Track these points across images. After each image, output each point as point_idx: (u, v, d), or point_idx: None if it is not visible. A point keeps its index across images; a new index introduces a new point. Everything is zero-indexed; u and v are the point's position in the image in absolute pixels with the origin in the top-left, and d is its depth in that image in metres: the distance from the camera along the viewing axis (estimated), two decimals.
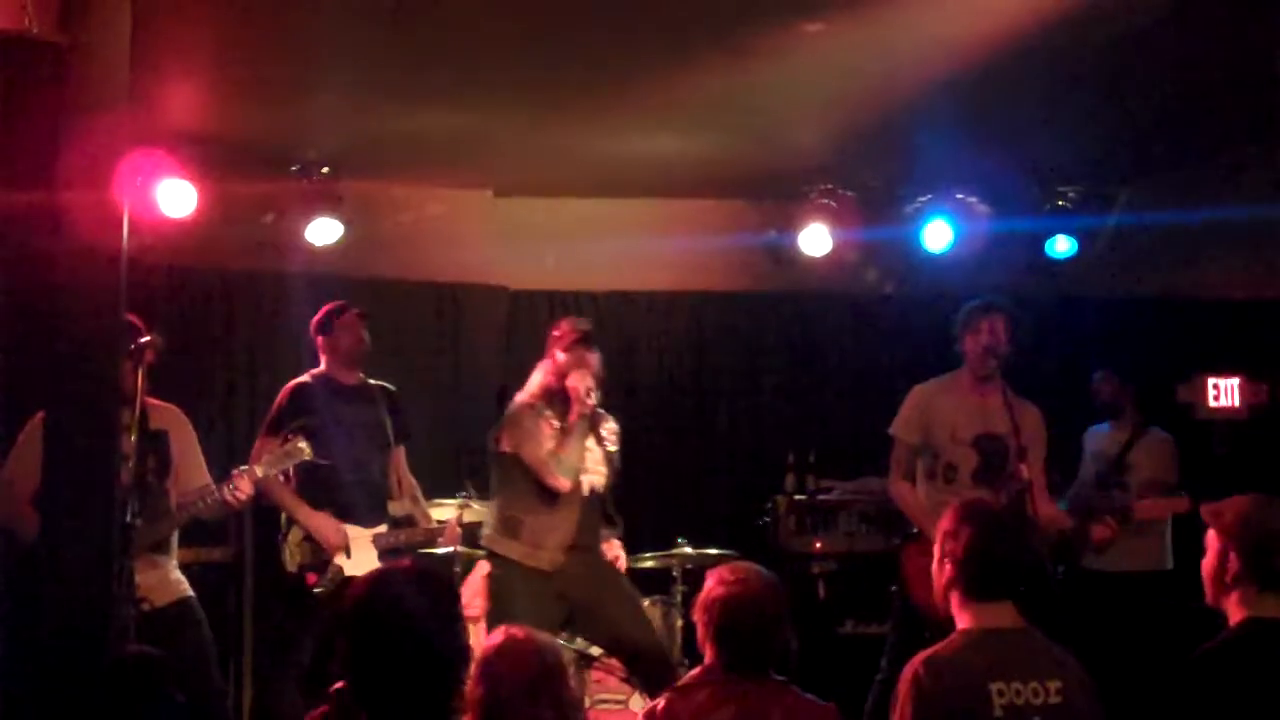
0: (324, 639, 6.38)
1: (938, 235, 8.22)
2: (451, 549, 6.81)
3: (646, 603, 7.11)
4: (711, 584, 4.15)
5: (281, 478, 6.50)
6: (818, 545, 8.05)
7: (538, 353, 6.24)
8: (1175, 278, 8.85)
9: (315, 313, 6.90)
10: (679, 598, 7.03)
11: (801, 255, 8.28)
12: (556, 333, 6.31)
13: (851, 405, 8.71)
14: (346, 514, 6.59)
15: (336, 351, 6.79)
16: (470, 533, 6.93)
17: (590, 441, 6.24)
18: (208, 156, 7.05)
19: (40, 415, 5.51)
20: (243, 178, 7.48)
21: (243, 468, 6.12)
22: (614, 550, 6.43)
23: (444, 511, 7.15)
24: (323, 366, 6.81)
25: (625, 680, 6.57)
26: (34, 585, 4.37)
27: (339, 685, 3.39)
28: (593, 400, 6.13)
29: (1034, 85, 6.47)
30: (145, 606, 5.53)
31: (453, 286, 8.62)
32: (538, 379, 6.29)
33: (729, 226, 8.71)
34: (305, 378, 6.78)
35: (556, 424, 6.15)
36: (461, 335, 8.65)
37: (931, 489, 6.60)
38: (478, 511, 7.05)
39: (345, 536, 6.54)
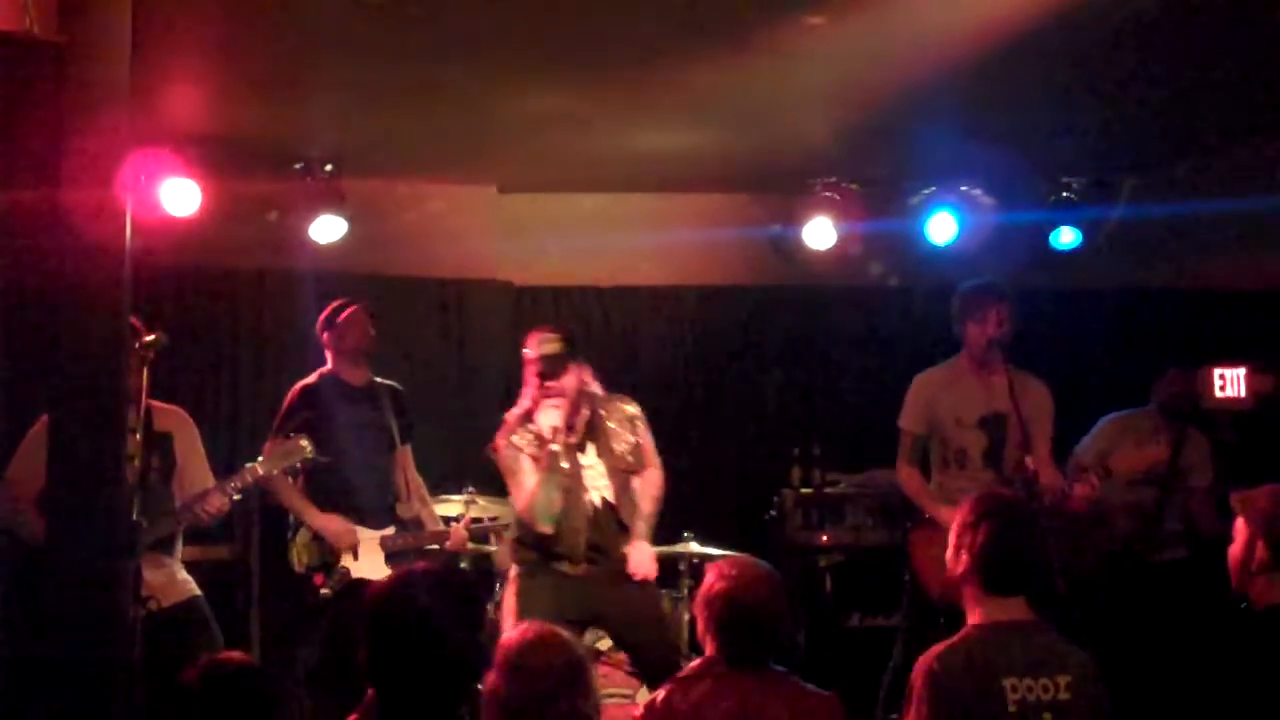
0: (330, 640, 6.39)
1: (942, 227, 8.21)
2: (457, 554, 6.84)
3: None
4: (711, 578, 4.21)
5: (290, 479, 6.50)
6: (824, 538, 8.04)
7: None
8: (1180, 268, 8.85)
9: (320, 310, 6.91)
10: (686, 591, 7.03)
11: (806, 248, 8.27)
12: (526, 351, 6.06)
13: (857, 398, 8.70)
14: (354, 516, 6.60)
15: (343, 348, 6.79)
16: (473, 530, 6.95)
17: (590, 454, 6.02)
18: (211, 155, 7.05)
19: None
20: (246, 176, 7.48)
21: (248, 464, 6.13)
22: (633, 559, 6.03)
23: (450, 508, 7.16)
24: (329, 365, 6.81)
25: (632, 674, 6.57)
26: (39, 587, 4.36)
27: (369, 694, 3.42)
28: (559, 439, 5.87)
29: (1038, 76, 6.46)
30: (153, 606, 5.54)
31: (457, 283, 8.62)
32: (520, 403, 6.08)
33: (733, 220, 8.71)
34: (312, 378, 6.78)
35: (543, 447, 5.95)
36: (466, 331, 8.65)
37: (945, 476, 6.65)
38: (483, 508, 7.06)
39: (355, 535, 6.55)
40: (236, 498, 6.07)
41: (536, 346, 5.98)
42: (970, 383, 6.66)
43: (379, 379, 6.89)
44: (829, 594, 7.95)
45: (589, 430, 6.03)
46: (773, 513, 8.23)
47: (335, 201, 7.61)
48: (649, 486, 6.16)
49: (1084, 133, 7.42)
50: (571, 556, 5.93)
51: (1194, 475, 7.32)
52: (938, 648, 3.86)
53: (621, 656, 6.61)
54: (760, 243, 8.67)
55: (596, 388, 6.13)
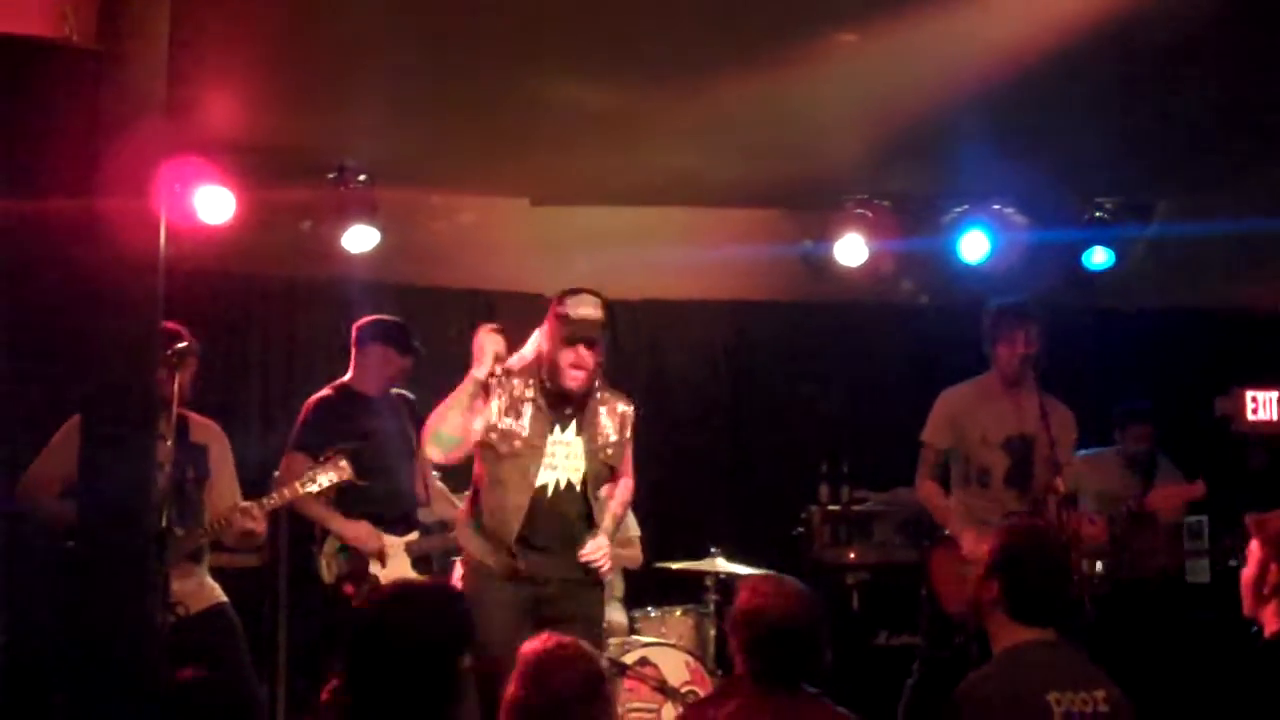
0: None
1: (974, 245, 8.18)
2: None
3: (679, 611, 7.12)
4: (746, 595, 4.16)
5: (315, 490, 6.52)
6: (851, 556, 8.03)
7: None
8: (1213, 290, 8.80)
9: (351, 319, 6.94)
10: (712, 607, 7.02)
11: (837, 265, 8.26)
12: (561, 310, 5.61)
13: (886, 415, 8.67)
14: (378, 524, 6.62)
15: (366, 371, 6.83)
16: None
17: (571, 431, 5.60)
18: (245, 164, 7.08)
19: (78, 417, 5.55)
20: (280, 185, 7.50)
21: (263, 500, 6.11)
22: (589, 545, 5.61)
23: None
24: (349, 376, 6.84)
25: (657, 689, 6.56)
26: (67, 591, 4.39)
27: (332, 685, 3.43)
28: (491, 369, 5.43)
29: (1072, 95, 6.44)
30: (180, 611, 5.57)
31: (488, 294, 8.62)
32: (535, 353, 5.68)
33: (765, 236, 8.69)
34: (327, 391, 6.81)
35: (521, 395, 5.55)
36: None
37: (966, 494, 6.64)
38: None
39: (381, 541, 6.58)
40: (254, 528, 6.00)
41: (576, 307, 5.58)
42: (1000, 402, 6.65)
43: (393, 389, 6.92)
44: (856, 611, 7.93)
45: (579, 408, 5.64)
46: (800, 530, 8.23)
47: (368, 211, 7.63)
48: (623, 492, 5.84)
49: (1118, 152, 7.39)
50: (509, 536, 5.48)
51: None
52: (977, 673, 3.83)
53: (648, 670, 6.59)
54: (792, 259, 8.65)
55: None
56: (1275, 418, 7.65)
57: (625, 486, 5.88)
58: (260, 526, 6.01)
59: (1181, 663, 6.84)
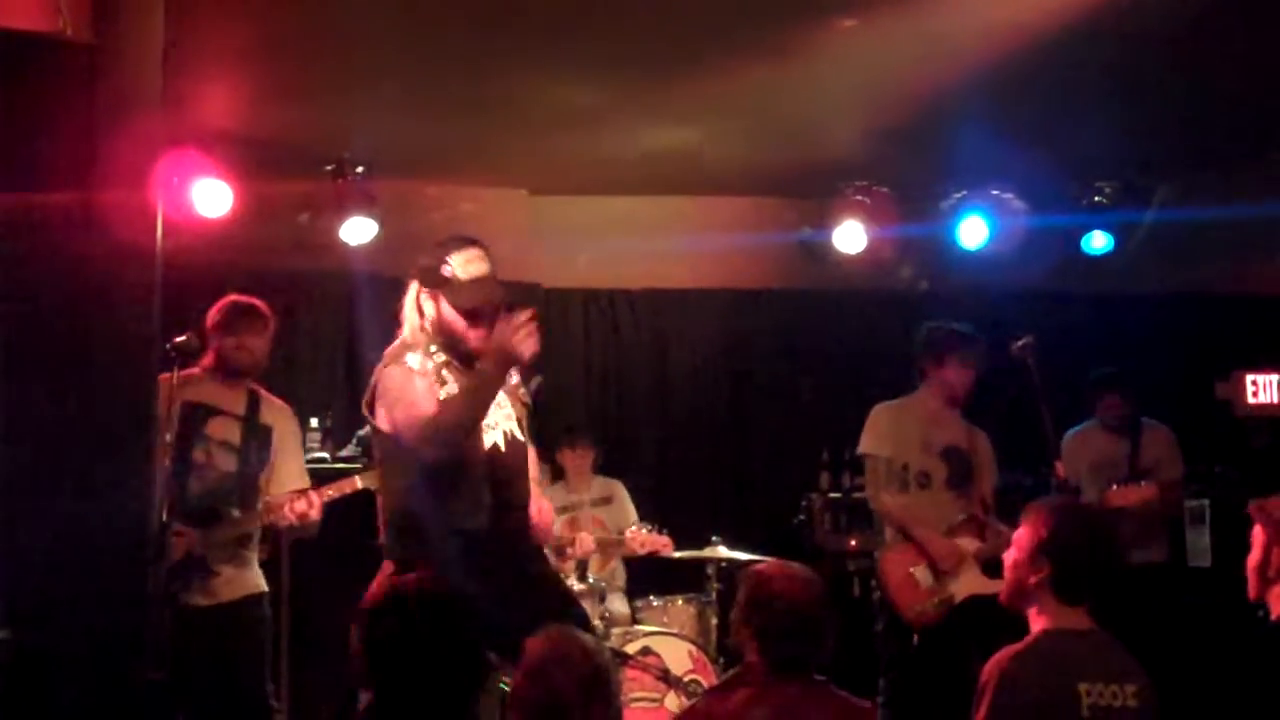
0: None
1: (973, 231, 8.18)
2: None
3: (680, 600, 7.11)
4: (756, 582, 4.12)
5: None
6: (852, 543, 8.01)
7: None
8: (1213, 273, 8.79)
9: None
10: (714, 595, 7.02)
11: (836, 252, 8.25)
12: (445, 270, 4.85)
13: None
14: None
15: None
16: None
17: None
18: (243, 156, 7.07)
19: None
20: (278, 177, 7.49)
21: (352, 475, 5.96)
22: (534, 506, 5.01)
23: None
24: None
25: (660, 679, 6.56)
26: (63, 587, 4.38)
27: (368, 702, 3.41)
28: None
29: (1070, 80, 6.44)
30: (209, 601, 5.62)
31: None
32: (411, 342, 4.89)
33: (763, 224, 8.69)
34: None
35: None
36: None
37: (906, 498, 6.64)
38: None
39: None
40: (305, 517, 5.78)
41: (464, 266, 4.84)
42: (937, 415, 6.74)
43: None
44: (856, 598, 7.93)
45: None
46: (801, 517, 8.22)
47: (366, 203, 7.62)
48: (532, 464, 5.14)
49: (1116, 137, 7.38)
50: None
51: (1162, 470, 7.30)
52: (1011, 649, 3.81)
53: (650, 660, 6.59)
54: (791, 246, 8.65)
55: None
56: (1275, 401, 7.65)
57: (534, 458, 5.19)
58: (315, 513, 5.77)
59: (1181, 649, 6.82)
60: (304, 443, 6.41)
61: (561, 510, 7.25)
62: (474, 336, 4.82)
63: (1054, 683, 3.71)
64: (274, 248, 7.93)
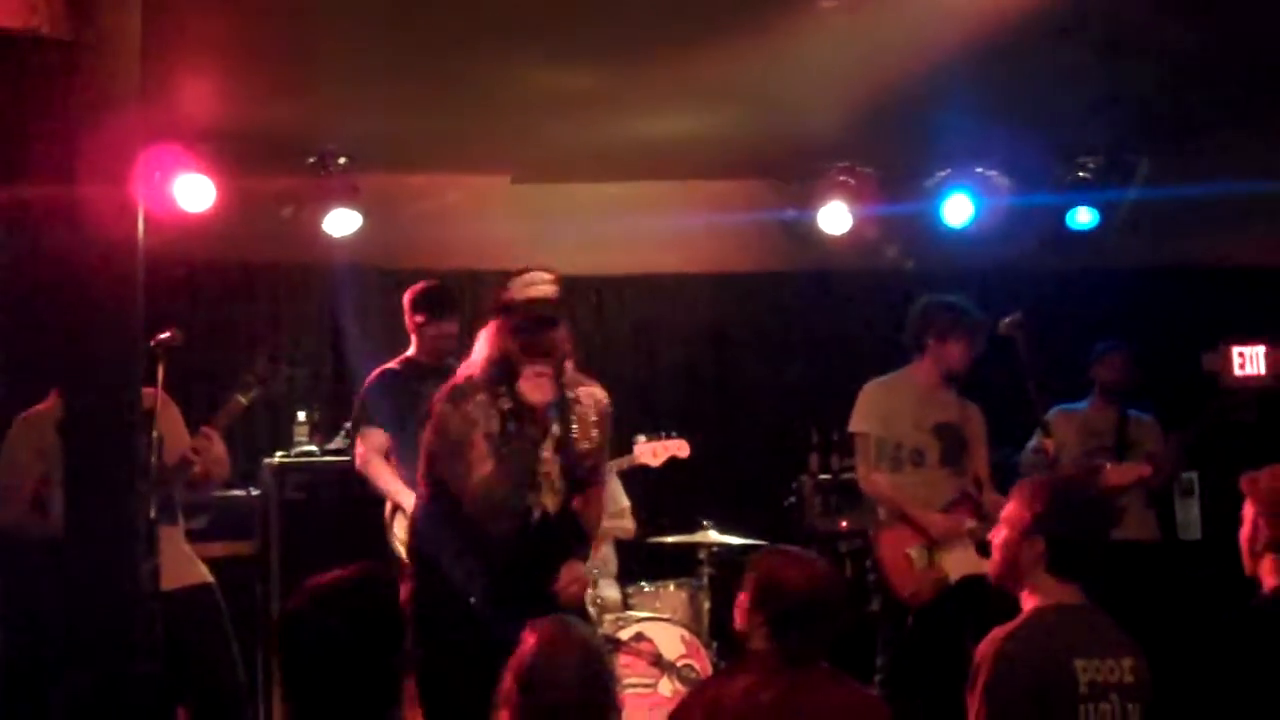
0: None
1: (958, 210, 8.16)
2: None
3: (672, 585, 7.11)
4: (771, 569, 4.07)
5: (385, 462, 6.48)
6: (843, 524, 8.03)
7: None
8: (1198, 246, 8.81)
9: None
10: (706, 580, 7.02)
11: (821, 233, 8.23)
12: (510, 296, 4.93)
13: None
14: None
15: (423, 345, 6.82)
16: None
17: (548, 446, 4.90)
18: (224, 151, 7.05)
19: (22, 417, 5.53)
20: (260, 171, 7.46)
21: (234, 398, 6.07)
22: (565, 575, 4.95)
23: None
24: (412, 351, 6.83)
25: (654, 664, 6.56)
26: (53, 585, 4.37)
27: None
28: (546, 422, 4.78)
29: (1052, 55, 6.42)
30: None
31: (472, 273, 8.59)
32: (478, 362, 4.96)
33: (747, 206, 8.67)
34: (393, 364, 6.78)
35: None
36: (480, 322, 8.61)
37: (900, 476, 6.61)
38: None
39: None
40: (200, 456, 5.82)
41: (523, 289, 4.86)
42: (928, 392, 6.70)
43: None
44: (849, 579, 7.93)
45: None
46: (791, 499, 8.23)
47: (349, 195, 7.60)
48: (598, 506, 5.15)
49: (1099, 112, 7.37)
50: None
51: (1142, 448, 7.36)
52: (1005, 628, 3.80)
53: (643, 646, 6.59)
54: (775, 228, 8.62)
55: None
56: (1262, 372, 7.66)
57: (599, 500, 5.24)
58: (218, 447, 5.85)
59: (1173, 623, 6.84)
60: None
61: None
62: (529, 373, 4.77)
63: (1050, 660, 3.70)
64: (258, 242, 7.92)
